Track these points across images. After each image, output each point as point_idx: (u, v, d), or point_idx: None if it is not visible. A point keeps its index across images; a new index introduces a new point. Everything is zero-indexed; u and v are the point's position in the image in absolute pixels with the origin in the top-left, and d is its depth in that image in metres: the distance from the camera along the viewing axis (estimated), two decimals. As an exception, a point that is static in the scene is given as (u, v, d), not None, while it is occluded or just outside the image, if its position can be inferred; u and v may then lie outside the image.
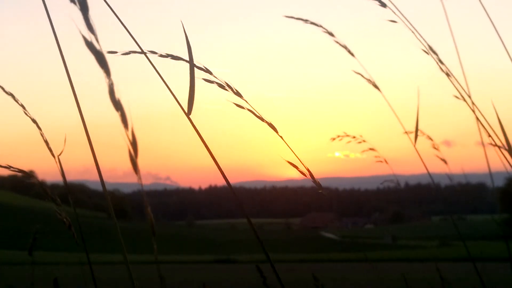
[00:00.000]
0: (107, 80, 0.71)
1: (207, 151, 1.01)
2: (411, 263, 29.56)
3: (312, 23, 1.62)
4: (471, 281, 4.78)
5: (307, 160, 1.06)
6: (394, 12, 1.56)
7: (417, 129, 1.86)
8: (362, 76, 1.79)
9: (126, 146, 0.72)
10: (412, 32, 1.56)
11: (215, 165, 1.04)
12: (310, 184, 1.10)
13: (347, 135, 2.05)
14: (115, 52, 1.12)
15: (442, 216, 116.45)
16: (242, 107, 1.08)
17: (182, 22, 1.06)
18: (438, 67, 1.59)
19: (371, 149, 2.10)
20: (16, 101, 1.53)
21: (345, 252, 45.34)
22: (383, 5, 1.55)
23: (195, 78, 1.04)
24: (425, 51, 1.59)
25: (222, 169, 1.04)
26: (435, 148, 2.03)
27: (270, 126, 1.07)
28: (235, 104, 1.08)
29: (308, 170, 1.07)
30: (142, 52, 1.10)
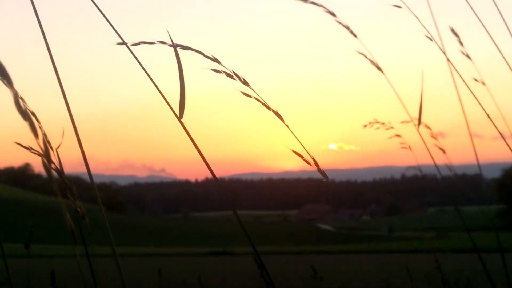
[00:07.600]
0: (10, 90, 0.66)
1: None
2: (408, 255, 29.64)
3: (312, 2, 1.58)
4: (469, 272, 4.78)
5: (303, 152, 1.04)
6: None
7: (420, 113, 1.84)
8: (365, 56, 1.74)
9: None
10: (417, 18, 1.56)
11: (204, 159, 1.02)
12: (306, 176, 1.09)
13: (377, 122, 2.07)
14: (125, 44, 1.07)
15: (438, 207, 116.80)
16: (249, 96, 1.06)
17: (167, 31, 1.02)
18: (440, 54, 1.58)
19: (397, 135, 2.09)
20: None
21: (342, 243, 45.42)
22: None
23: (205, 68, 1.01)
24: (429, 38, 1.58)
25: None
26: (433, 137, 2.00)
27: (276, 115, 1.06)
28: (242, 93, 1.06)
29: (313, 159, 1.06)
30: (151, 42, 1.04)
